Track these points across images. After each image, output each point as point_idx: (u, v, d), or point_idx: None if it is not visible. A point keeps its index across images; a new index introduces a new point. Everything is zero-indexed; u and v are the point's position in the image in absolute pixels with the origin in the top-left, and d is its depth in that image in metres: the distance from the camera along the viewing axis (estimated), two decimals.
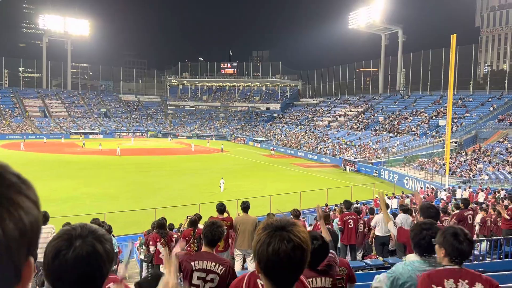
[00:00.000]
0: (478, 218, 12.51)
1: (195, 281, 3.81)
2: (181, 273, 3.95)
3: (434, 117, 58.88)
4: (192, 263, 3.81)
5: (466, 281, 2.86)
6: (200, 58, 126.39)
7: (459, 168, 38.22)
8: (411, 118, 62.32)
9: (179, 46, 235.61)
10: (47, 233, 7.16)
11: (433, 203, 13.41)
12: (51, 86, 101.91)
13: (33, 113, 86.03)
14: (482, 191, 26.58)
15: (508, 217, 11.18)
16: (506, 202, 12.39)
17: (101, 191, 31.29)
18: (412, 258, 3.43)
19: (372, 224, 10.63)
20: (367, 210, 17.29)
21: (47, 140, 69.85)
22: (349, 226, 10.46)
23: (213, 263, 3.84)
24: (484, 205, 16.32)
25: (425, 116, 60.60)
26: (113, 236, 11.55)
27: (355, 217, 10.65)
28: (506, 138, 43.97)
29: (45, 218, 7.34)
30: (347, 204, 11.58)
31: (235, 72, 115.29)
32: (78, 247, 1.24)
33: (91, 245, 1.27)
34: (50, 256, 1.24)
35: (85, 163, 46.17)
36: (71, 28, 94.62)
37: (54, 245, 1.26)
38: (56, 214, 18.43)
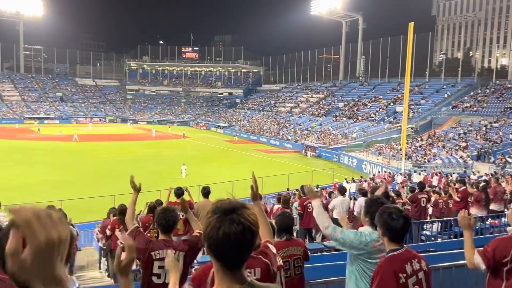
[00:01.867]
0: (431, 200, 13.05)
1: (156, 270, 3.79)
2: (141, 263, 3.93)
3: (391, 104, 60.52)
4: (152, 253, 3.78)
5: (416, 259, 3.01)
6: (161, 42, 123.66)
7: (415, 153, 39.60)
8: (370, 105, 63.79)
9: (138, 29, 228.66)
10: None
11: (389, 187, 13.85)
12: (2, 69, 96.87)
13: None
14: (436, 175, 27.72)
15: (458, 199, 11.73)
16: (457, 185, 12.98)
17: (58, 178, 30.38)
18: (369, 230, 3.65)
19: (330, 207, 10.88)
20: (326, 194, 17.67)
21: None
22: (308, 210, 10.66)
23: (174, 251, 3.83)
24: (437, 189, 17.06)
25: (383, 103, 62.19)
26: (72, 226, 11.26)
27: None
28: (459, 124, 45.88)
29: None
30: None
31: (197, 56, 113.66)
32: None
33: None
34: None
35: (41, 149, 44.53)
36: (23, 8, 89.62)
37: None
38: (10, 201, 17.74)
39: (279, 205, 9.93)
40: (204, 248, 1.60)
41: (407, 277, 2.90)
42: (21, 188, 26.62)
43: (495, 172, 26.17)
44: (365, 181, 25.96)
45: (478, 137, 40.36)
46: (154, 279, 3.78)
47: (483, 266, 3.34)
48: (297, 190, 19.09)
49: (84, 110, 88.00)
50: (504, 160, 32.41)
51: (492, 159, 34.49)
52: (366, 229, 3.68)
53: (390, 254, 3.03)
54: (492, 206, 11.82)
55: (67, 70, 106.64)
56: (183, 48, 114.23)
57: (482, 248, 3.40)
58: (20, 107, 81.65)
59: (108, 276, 9.64)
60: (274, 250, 2.89)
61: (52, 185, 28.05)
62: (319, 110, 69.73)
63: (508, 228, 4.84)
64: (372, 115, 58.96)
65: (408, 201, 11.48)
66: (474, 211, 11.97)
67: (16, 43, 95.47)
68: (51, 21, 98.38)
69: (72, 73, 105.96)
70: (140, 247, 3.81)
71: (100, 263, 11.42)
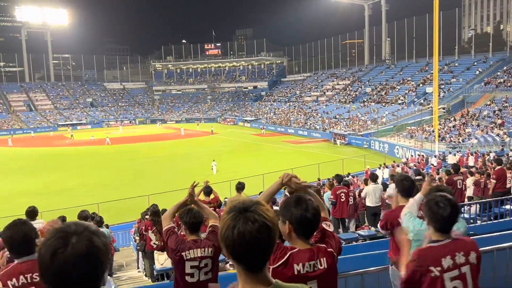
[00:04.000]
0: (470, 181, 12.62)
1: (188, 270, 3.84)
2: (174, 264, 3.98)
3: (421, 85, 59.02)
4: (183, 254, 3.81)
5: (462, 252, 2.81)
6: (183, 41, 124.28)
7: (448, 133, 38.55)
8: (398, 87, 62.41)
9: (160, 30, 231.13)
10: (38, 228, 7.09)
11: (409, 175, 13.55)
12: (34, 79, 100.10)
13: (18, 107, 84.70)
14: (472, 155, 26.90)
15: (494, 181, 11.30)
16: (493, 165, 12.53)
17: (93, 181, 31.17)
18: None
19: (362, 195, 10.70)
20: (359, 182, 17.42)
21: (35, 134, 69.10)
22: (341, 199, 10.54)
23: (203, 249, 3.86)
24: (473, 169, 16.54)
25: (412, 84, 60.72)
26: (107, 226, 11.52)
27: (346, 191, 10.72)
28: (493, 101, 44.29)
29: (34, 213, 7.25)
30: (339, 178, 11.63)
31: (220, 52, 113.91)
32: (76, 244, 1.22)
33: (89, 240, 1.26)
34: (48, 256, 1.22)
35: (75, 154, 45.84)
36: (50, 18, 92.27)
37: (50, 244, 1.23)
38: (49, 207, 18.38)
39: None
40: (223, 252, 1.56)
41: (442, 271, 2.73)
42: (60, 193, 27.48)
43: None
44: (398, 165, 25.46)
45: None
46: (188, 278, 3.83)
47: None
48: (328, 179, 18.90)
49: (114, 114, 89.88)
50: None
51: None
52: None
53: (429, 245, 2.88)
54: None
55: (95, 76, 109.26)
56: (205, 45, 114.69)
57: None
58: (53, 115, 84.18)
59: (145, 275, 9.81)
60: (331, 228, 2.84)
61: (89, 188, 28.83)
62: (346, 97, 68.75)
63: None
64: (401, 98, 57.68)
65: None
66: None
67: (45, 53, 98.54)
68: (77, 29, 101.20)
69: (100, 78, 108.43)
70: (172, 247, 3.86)
71: (138, 262, 11.64)
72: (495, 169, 11.51)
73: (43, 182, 31.31)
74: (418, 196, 3.97)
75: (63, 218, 9.19)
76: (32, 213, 7.31)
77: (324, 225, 2.78)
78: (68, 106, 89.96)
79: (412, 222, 3.68)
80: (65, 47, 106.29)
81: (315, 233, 2.67)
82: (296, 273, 2.41)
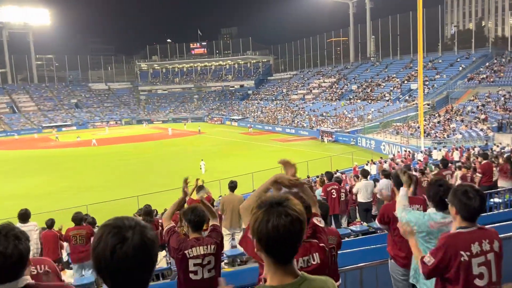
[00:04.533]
0: (457, 175, 12.81)
1: (192, 268, 3.87)
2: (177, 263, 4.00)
3: (406, 82, 59.68)
4: (186, 252, 3.85)
5: (487, 240, 2.94)
6: (168, 40, 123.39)
7: (433, 129, 39.07)
8: (384, 84, 63.01)
9: (145, 29, 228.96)
10: (30, 230, 7.04)
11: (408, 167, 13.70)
12: (16, 80, 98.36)
13: (1, 110, 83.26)
14: (457, 149, 27.32)
15: (479, 175, 11.52)
16: (479, 159, 12.75)
17: (81, 183, 30.87)
18: (431, 211, 3.78)
19: (354, 191, 10.81)
20: (347, 179, 17.55)
21: (19, 137, 68.07)
22: (332, 196, 10.62)
23: (205, 247, 3.91)
24: (459, 164, 16.81)
25: (397, 81, 61.36)
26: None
27: (337, 187, 10.82)
28: (476, 97, 45.01)
29: (26, 215, 7.20)
30: (329, 175, 11.73)
31: (206, 51, 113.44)
32: (133, 238, 1.31)
33: (142, 233, 1.34)
34: (108, 253, 1.29)
35: (61, 156, 45.27)
36: (31, 18, 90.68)
37: (107, 242, 1.31)
38: (38, 210, 18.12)
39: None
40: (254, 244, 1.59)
41: (471, 256, 2.86)
42: (47, 196, 27.13)
43: None
44: (385, 161, 25.73)
45: (498, 108, 39.57)
46: (192, 276, 3.87)
47: None
48: (317, 176, 19.01)
49: (99, 115, 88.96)
50: None
51: None
52: (431, 211, 3.76)
53: (458, 231, 3.00)
54: None
55: (80, 76, 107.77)
56: (191, 45, 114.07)
57: None
58: (37, 117, 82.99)
59: None
60: (322, 224, 2.87)
61: (77, 190, 28.55)
62: (332, 95, 69.16)
63: None
64: (386, 95, 58.26)
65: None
66: (501, 183, 11.77)
67: (27, 54, 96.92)
68: (59, 29, 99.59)
69: (84, 79, 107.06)
70: (174, 246, 3.89)
71: None
72: (481, 163, 11.72)
73: (30, 184, 30.90)
74: (402, 190, 4.07)
75: (51, 221, 9.11)
76: (24, 215, 7.26)
77: (315, 221, 2.81)
78: (53, 108, 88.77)
79: (413, 215, 3.77)
80: (48, 48, 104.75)
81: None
82: None
